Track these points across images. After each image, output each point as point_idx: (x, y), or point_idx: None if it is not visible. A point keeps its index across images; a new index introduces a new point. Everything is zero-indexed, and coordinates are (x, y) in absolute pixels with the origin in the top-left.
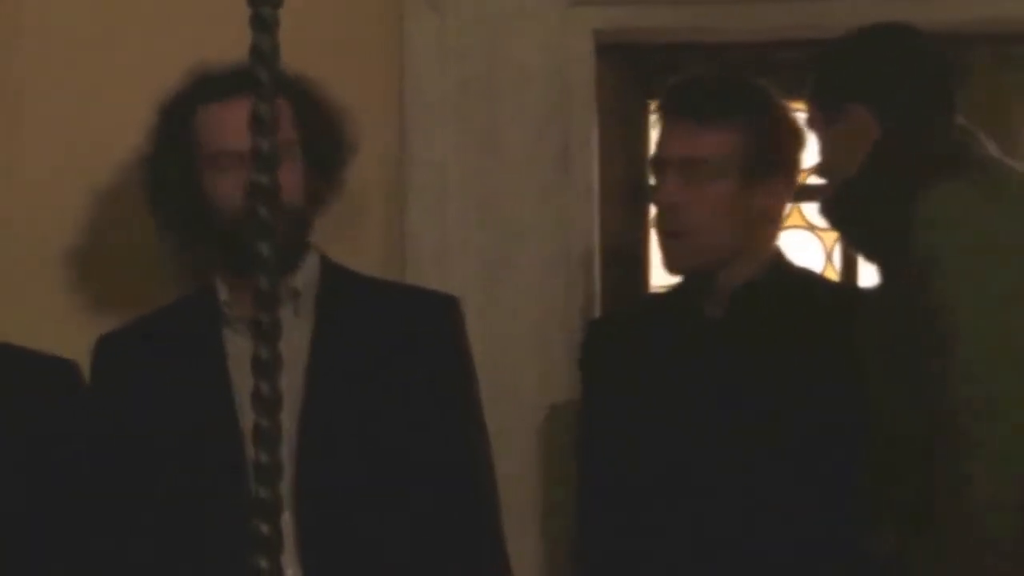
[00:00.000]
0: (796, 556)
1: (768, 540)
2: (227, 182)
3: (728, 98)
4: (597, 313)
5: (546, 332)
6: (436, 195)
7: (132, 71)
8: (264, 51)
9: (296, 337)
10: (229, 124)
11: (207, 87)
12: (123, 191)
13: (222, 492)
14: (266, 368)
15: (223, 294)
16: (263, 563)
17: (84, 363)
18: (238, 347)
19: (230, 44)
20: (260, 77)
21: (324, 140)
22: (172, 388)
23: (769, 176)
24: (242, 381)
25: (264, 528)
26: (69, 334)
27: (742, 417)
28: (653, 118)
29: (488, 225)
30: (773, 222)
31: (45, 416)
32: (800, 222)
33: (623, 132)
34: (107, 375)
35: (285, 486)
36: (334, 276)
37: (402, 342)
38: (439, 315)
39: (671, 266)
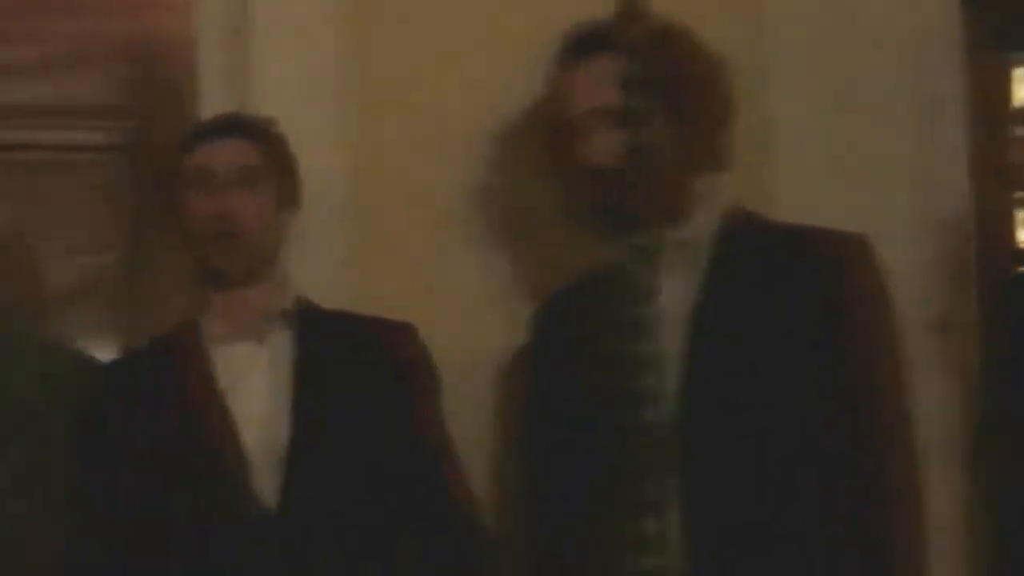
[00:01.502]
0: None
1: None
2: (587, 142)
3: None
4: (972, 279)
5: (914, 298)
6: (797, 154)
7: (499, 32)
8: (634, 9)
9: (679, 291)
10: (567, 90)
11: (560, 50)
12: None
13: None
14: (640, 329)
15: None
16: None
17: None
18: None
19: (593, 2)
20: (630, 34)
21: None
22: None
23: None
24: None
25: (650, 490)
26: (437, 306)
27: None
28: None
29: (851, 187)
30: None
31: (388, 373)
32: None
33: (988, 88)
34: (539, 348)
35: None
36: (738, 226)
37: (803, 289)
38: (842, 257)
39: None
